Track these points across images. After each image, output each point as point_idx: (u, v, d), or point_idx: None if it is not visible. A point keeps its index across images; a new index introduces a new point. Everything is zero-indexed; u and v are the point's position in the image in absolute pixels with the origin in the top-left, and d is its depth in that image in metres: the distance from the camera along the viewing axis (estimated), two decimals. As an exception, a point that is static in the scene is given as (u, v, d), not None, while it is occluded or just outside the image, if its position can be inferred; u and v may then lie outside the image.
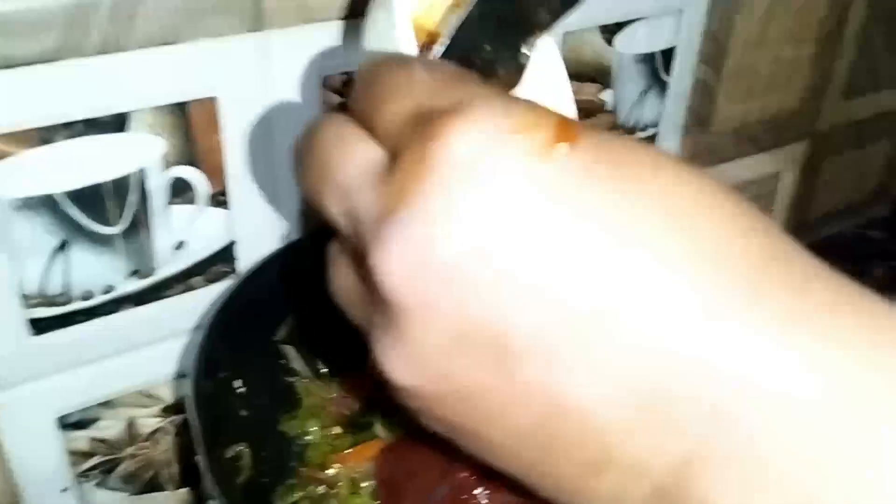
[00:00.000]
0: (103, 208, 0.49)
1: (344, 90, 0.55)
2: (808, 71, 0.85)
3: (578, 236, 0.23)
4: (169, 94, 0.48)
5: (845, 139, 0.97)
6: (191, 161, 0.51)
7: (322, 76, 0.53)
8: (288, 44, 0.51)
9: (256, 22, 0.49)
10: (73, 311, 0.51)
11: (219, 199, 0.53)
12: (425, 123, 0.25)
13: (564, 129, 0.24)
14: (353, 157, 0.28)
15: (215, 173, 0.52)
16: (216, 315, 0.51)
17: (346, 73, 0.54)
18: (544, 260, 0.23)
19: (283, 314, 0.56)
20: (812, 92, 0.88)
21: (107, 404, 0.56)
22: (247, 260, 0.56)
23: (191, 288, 0.55)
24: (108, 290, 0.52)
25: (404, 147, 0.25)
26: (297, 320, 0.57)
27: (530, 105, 0.25)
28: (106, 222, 0.49)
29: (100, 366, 0.54)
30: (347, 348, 0.59)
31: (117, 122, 0.47)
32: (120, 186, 0.49)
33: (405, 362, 0.26)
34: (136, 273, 0.52)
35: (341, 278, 0.31)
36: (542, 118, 0.24)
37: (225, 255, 0.55)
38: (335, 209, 0.28)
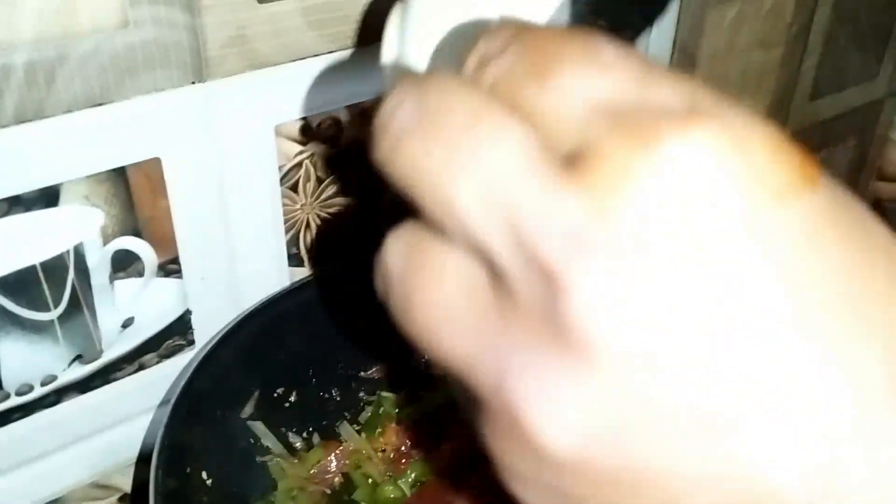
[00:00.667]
0: (37, 293, 0.43)
1: (367, 115, 0.49)
2: (776, 74, 0.83)
3: (791, 314, 0.18)
4: (104, 159, 0.43)
5: (812, 139, 0.94)
6: (134, 230, 0.46)
7: (275, 125, 0.48)
8: (234, 93, 0.46)
9: (198, 73, 0.44)
10: (8, 408, 0.45)
11: (168, 268, 0.48)
12: (639, 123, 0.19)
13: (808, 168, 0.19)
14: (505, 138, 0.20)
15: (163, 241, 0.47)
16: (176, 402, 0.45)
17: (303, 118, 0.49)
18: (754, 335, 0.18)
19: (247, 389, 0.51)
20: (780, 94, 0.85)
21: (56, 502, 0.50)
22: (203, 330, 0.51)
23: (143, 367, 0.49)
24: (48, 381, 0.46)
25: (602, 146, 0.19)
26: (263, 393, 0.52)
27: (771, 128, 0.20)
28: (41, 308, 0.44)
29: (44, 463, 0.48)
30: (323, 413, 0.56)
31: (47, 197, 0.42)
32: (54, 267, 0.43)
33: (582, 421, 0.19)
34: (79, 358, 0.47)
35: (444, 288, 0.22)
36: (786, 148, 0.19)
37: (179, 328, 0.50)
38: (475, 204, 0.20)
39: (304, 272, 0.54)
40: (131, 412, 0.51)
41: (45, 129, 0.40)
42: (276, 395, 0.53)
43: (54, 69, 0.39)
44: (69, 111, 0.41)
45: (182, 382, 0.46)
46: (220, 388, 0.49)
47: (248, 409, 0.51)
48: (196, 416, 0.47)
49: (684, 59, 0.71)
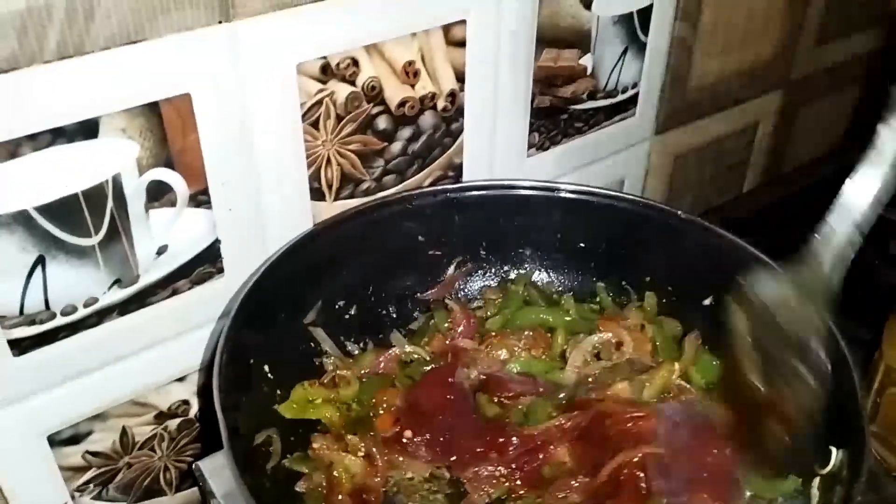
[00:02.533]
0: (79, 219, 0.47)
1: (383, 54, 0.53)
2: (781, 20, 0.84)
3: None
4: (139, 94, 0.46)
5: (818, 86, 0.96)
6: (167, 162, 0.49)
7: (297, 63, 0.51)
8: (259, 32, 0.48)
9: (225, 12, 0.47)
10: (55, 327, 0.49)
11: (199, 199, 0.51)
12: None
13: None
14: None
15: (194, 173, 0.50)
16: (242, 301, 0.50)
17: (323, 58, 0.52)
18: None
19: (310, 299, 0.56)
20: (786, 41, 0.87)
21: (98, 417, 0.54)
22: (232, 259, 0.54)
23: (176, 292, 0.53)
24: (90, 302, 0.49)
25: None
26: (325, 304, 0.57)
27: None
28: (83, 234, 0.47)
29: (87, 380, 0.52)
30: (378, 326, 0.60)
31: (87, 129, 0.45)
32: (95, 196, 0.46)
33: None
34: (118, 282, 0.50)
35: None
36: None
37: (210, 256, 0.53)
38: None
39: (325, 206, 0.57)
40: (166, 334, 0.54)
41: (85, 64, 0.43)
42: (337, 307, 0.58)
43: (92, 7, 0.42)
44: (106, 48, 0.43)
45: (250, 286, 0.51)
46: (285, 294, 0.54)
47: (311, 317, 0.56)
48: (261, 316, 0.52)
49: (690, 4, 0.73)
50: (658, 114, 0.79)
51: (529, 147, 0.68)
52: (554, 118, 0.68)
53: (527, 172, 0.68)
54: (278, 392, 0.53)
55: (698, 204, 0.90)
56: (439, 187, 0.61)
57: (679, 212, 0.59)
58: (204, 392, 0.58)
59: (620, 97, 0.73)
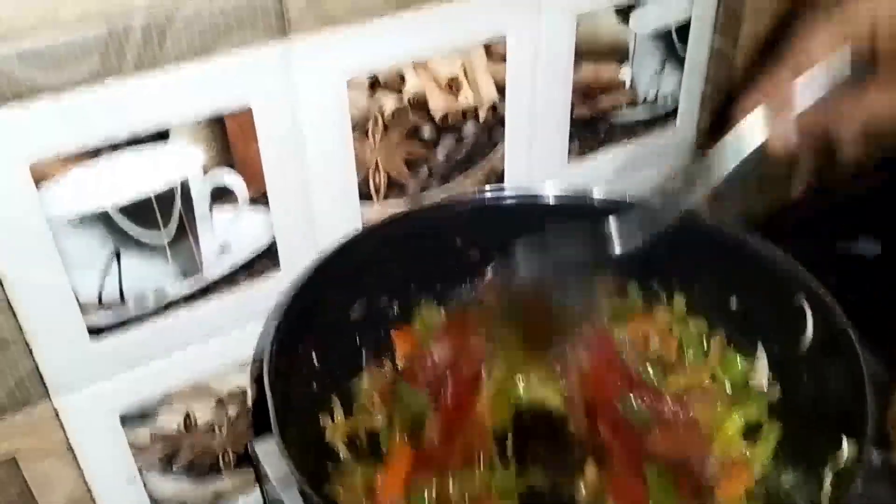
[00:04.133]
0: (151, 219, 0.52)
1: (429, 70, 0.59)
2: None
3: None
4: (205, 107, 0.51)
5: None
6: (230, 168, 0.54)
7: (347, 78, 0.56)
8: (312, 51, 0.53)
9: (281, 31, 0.51)
10: (128, 316, 0.54)
11: (258, 201, 0.56)
12: None
13: None
14: None
15: (254, 177, 0.55)
16: (293, 295, 0.55)
17: (372, 73, 0.56)
18: None
19: (356, 296, 0.61)
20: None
21: (164, 400, 0.59)
22: (288, 256, 0.59)
23: (237, 286, 0.58)
24: (159, 293, 0.55)
25: None
26: (370, 301, 0.62)
27: None
28: (154, 231, 0.52)
29: (156, 365, 0.57)
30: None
31: (159, 136, 0.50)
32: (165, 198, 0.52)
33: None
34: (185, 276, 0.55)
35: None
36: None
37: (267, 253, 0.58)
38: None
39: (373, 207, 0.62)
40: (227, 325, 0.59)
41: (158, 78, 0.48)
42: (381, 303, 0.63)
43: (165, 28, 0.47)
44: (177, 62, 0.49)
45: (300, 280, 0.56)
46: (333, 290, 0.58)
47: (356, 313, 0.61)
48: (310, 310, 0.56)
49: (729, 17, 0.75)
50: (699, 126, 0.81)
51: (569, 155, 0.71)
52: (593, 128, 0.72)
53: (566, 180, 0.71)
54: (325, 381, 0.58)
55: (741, 214, 0.92)
56: (476, 195, 0.65)
57: (707, 219, 0.62)
58: (259, 380, 0.63)
59: (660, 109, 0.76)
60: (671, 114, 0.77)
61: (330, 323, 0.59)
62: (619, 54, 0.69)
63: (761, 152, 0.49)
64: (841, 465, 0.47)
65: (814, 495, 0.50)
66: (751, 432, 0.56)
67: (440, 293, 0.65)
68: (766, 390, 0.58)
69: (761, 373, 0.59)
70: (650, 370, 0.61)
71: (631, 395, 0.58)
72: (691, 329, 0.63)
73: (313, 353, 0.57)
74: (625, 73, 0.70)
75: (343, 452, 0.57)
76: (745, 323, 0.61)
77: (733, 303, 0.62)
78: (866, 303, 0.57)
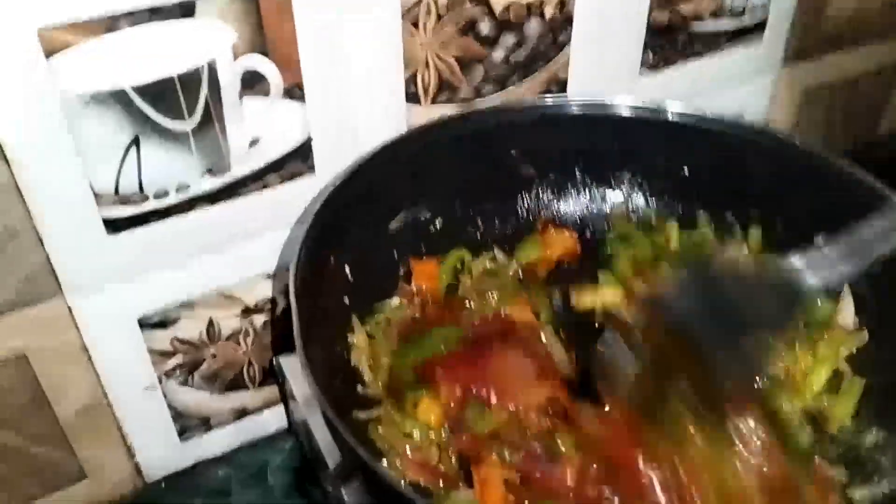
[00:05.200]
0: (174, 103, 0.47)
1: None
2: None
3: None
4: (237, -23, 0.45)
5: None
6: (262, 51, 0.48)
7: (400, -44, 0.49)
8: (362, -81, 0.47)
9: None
10: (147, 210, 0.50)
11: (293, 92, 0.50)
12: None
13: None
14: None
15: (289, 64, 0.49)
16: (327, 199, 0.50)
17: (426, -49, 0.50)
18: None
19: (396, 206, 0.56)
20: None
21: (186, 305, 0.55)
22: (323, 158, 0.54)
23: (267, 186, 0.53)
24: (182, 188, 0.50)
25: None
26: (411, 213, 0.57)
27: None
28: (177, 118, 0.47)
29: (178, 266, 0.53)
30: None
31: (184, 9, 0.44)
32: (190, 79, 0.46)
33: None
34: (210, 171, 0.50)
35: None
36: None
37: (301, 153, 0.53)
38: None
39: (420, 110, 0.56)
40: (254, 229, 0.54)
41: (185, -59, 0.43)
42: (423, 217, 0.57)
43: None
44: (207, -75, 0.43)
45: (337, 183, 0.50)
46: (371, 197, 0.53)
47: (395, 225, 0.56)
48: (346, 214, 0.51)
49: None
50: (788, 43, 0.72)
51: (641, 66, 0.64)
52: (671, 37, 0.64)
53: (636, 93, 0.64)
54: (359, 297, 0.53)
55: (824, 146, 0.84)
56: (537, 101, 0.59)
57: (796, 140, 0.54)
58: (285, 290, 0.58)
59: (747, 20, 0.67)
60: (759, 27, 0.69)
61: (366, 233, 0.54)
62: (708, -48, 0.61)
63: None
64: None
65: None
66: (830, 383, 0.50)
67: (487, 213, 0.60)
68: (851, 334, 0.52)
69: (846, 317, 0.53)
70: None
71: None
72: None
73: (346, 266, 0.52)
74: (712, -24, 0.62)
75: (367, 376, 0.52)
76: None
77: (819, 239, 0.55)
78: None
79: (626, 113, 0.57)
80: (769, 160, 0.55)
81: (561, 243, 0.58)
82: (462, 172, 0.58)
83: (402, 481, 0.45)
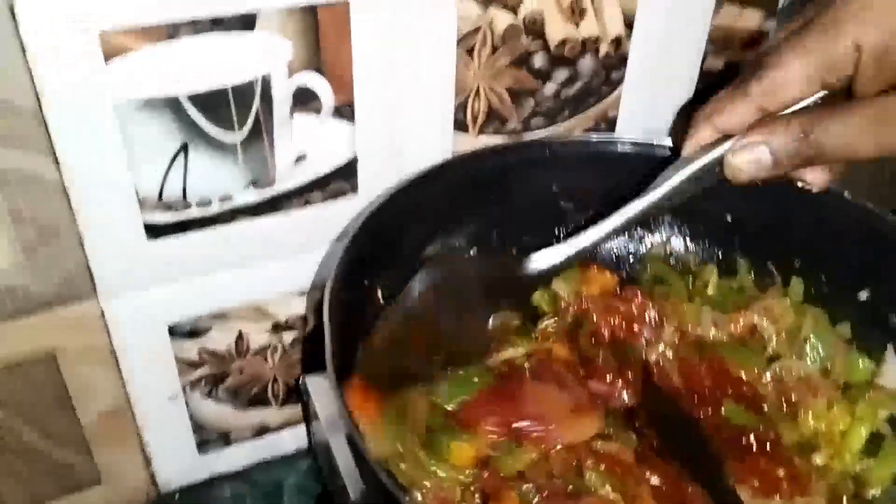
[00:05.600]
0: (226, 114, 0.47)
1: None
2: None
3: None
4: (299, -6, 0.45)
5: None
6: (317, 69, 0.48)
7: (461, -16, 0.49)
8: (427, -55, 0.47)
9: (396, -82, 0.45)
10: (189, 218, 0.49)
11: (343, 111, 0.50)
12: None
13: None
14: None
15: (342, 84, 0.49)
16: (365, 221, 0.49)
17: (487, -19, 0.50)
18: None
19: (431, 233, 0.55)
20: None
21: (218, 316, 0.55)
22: (368, 178, 0.53)
23: (309, 203, 0.53)
24: (225, 199, 0.50)
25: None
26: (445, 241, 0.56)
27: None
28: (227, 128, 0.47)
29: (213, 277, 0.53)
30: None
31: (244, 22, 0.44)
32: (243, 92, 0.46)
33: None
34: (254, 184, 0.50)
35: None
36: None
37: (346, 172, 0.53)
38: None
39: (467, 139, 0.56)
40: (293, 245, 0.54)
41: (251, -45, 0.43)
42: (457, 245, 0.56)
43: None
44: (274, -59, 0.43)
45: (376, 207, 0.50)
46: (409, 222, 0.52)
47: (430, 251, 0.55)
48: (382, 240, 0.51)
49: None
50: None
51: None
52: (724, 84, 0.63)
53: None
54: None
55: (871, 200, 0.83)
56: (583, 136, 0.58)
57: (845, 192, 0.53)
58: (319, 308, 0.58)
59: (800, 72, 0.67)
60: None
61: (400, 258, 0.53)
62: (768, 1, 0.60)
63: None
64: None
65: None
66: (870, 446, 0.49)
67: (523, 246, 0.59)
68: (892, 396, 0.50)
69: (889, 379, 0.51)
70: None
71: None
72: (808, 320, 0.55)
73: (378, 289, 0.52)
74: (770, 25, 0.62)
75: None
76: (875, 319, 0.53)
77: (863, 294, 0.54)
78: None
79: (670, 152, 0.56)
80: (815, 210, 0.54)
81: (601, 283, 0.56)
82: (501, 204, 0.57)
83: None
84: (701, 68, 0.61)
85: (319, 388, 0.54)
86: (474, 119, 0.55)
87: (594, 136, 0.58)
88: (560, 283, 0.56)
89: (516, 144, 0.56)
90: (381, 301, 0.52)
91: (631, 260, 0.61)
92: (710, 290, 0.58)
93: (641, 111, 0.61)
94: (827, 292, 0.56)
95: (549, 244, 0.58)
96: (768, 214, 0.57)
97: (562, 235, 0.60)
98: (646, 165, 0.57)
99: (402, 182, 0.52)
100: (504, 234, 0.58)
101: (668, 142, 0.57)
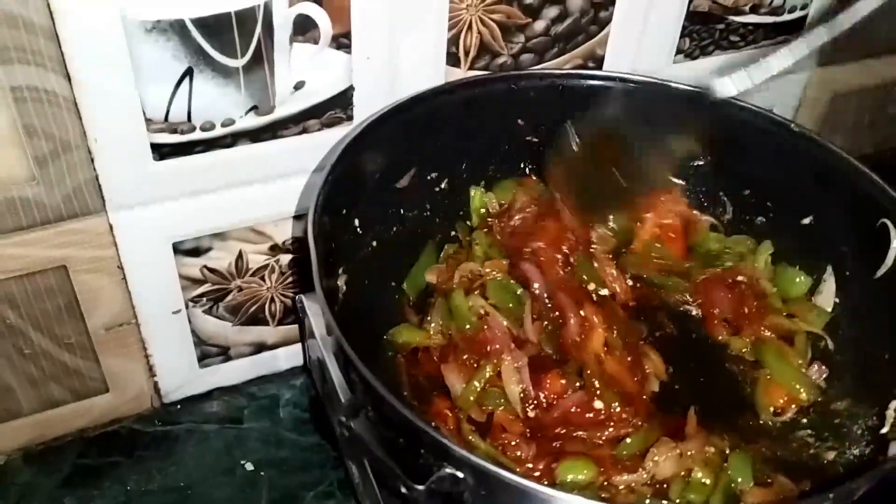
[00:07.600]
0: (229, 39, 0.49)
1: None
2: None
3: None
4: (300, -76, 0.47)
5: None
6: (316, 0, 0.50)
7: (456, -81, 0.51)
8: None
9: None
10: (193, 140, 0.52)
11: (341, 41, 0.53)
12: None
13: None
14: None
15: (340, 14, 0.51)
16: (342, 154, 0.51)
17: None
18: None
19: (405, 164, 0.58)
20: None
21: (219, 236, 0.58)
22: (362, 108, 0.56)
23: (306, 130, 0.55)
24: (227, 123, 0.52)
25: None
26: (419, 172, 0.58)
27: None
28: (230, 54, 0.50)
29: (215, 197, 0.56)
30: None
31: (247, -50, 0.47)
32: (246, 18, 0.49)
33: None
34: (255, 109, 0.53)
35: None
36: None
37: (342, 101, 0.55)
38: None
39: (458, 72, 0.58)
40: (290, 170, 0.57)
41: None
42: (429, 177, 0.60)
43: None
44: None
45: (348, 139, 0.52)
46: (382, 154, 0.55)
47: (404, 182, 0.58)
48: (358, 170, 0.53)
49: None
50: (824, 43, 0.74)
51: (677, 52, 0.66)
52: (709, 26, 0.66)
53: (670, 77, 0.66)
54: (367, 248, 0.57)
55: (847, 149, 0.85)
56: (547, 71, 0.60)
57: (792, 124, 0.57)
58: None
59: (786, 16, 0.69)
60: (796, 24, 0.70)
61: (375, 187, 0.56)
62: (754, -55, 0.62)
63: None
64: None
65: (871, 429, 0.48)
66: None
67: (490, 177, 0.62)
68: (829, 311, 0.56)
69: (825, 298, 0.56)
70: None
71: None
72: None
73: (356, 219, 0.55)
74: (755, -31, 0.64)
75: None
76: (815, 242, 0.57)
77: (806, 220, 0.58)
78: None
79: (631, 85, 0.59)
80: (764, 142, 0.58)
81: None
82: (471, 136, 0.60)
83: (412, 411, 0.48)
84: (688, 9, 0.63)
85: (315, 307, 0.58)
86: (466, 53, 0.57)
87: (557, 71, 0.61)
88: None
89: (482, 77, 0.59)
90: (358, 230, 0.55)
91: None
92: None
93: (627, 51, 0.63)
94: (773, 217, 0.60)
95: (515, 176, 0.62)
96: (721, 148, 0.60)
97: (527, 169, 0.63)
98: (603, 99, 0.60)
99: (374, 114, 0.54)
100: (472, 165, 0.61)
101: (634, 76, 0.59)
